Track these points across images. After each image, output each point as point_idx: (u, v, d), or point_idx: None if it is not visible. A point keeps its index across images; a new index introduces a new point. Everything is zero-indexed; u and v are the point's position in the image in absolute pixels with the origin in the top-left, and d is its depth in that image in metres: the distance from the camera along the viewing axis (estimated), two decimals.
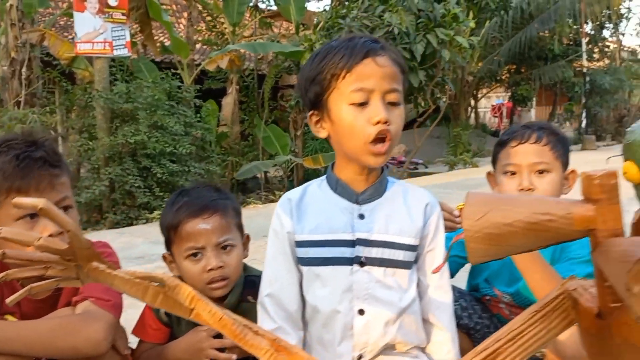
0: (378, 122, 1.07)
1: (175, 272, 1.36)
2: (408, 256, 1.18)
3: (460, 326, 1.53)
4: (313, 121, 1.20)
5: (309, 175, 7.36)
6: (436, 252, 1.22)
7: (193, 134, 5.93)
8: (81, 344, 1.16)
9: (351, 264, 1.15)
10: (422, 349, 1.22)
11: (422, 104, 7.82)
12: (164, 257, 1.40)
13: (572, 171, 1.52)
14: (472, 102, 13.86)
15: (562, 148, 1.48)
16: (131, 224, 5.06)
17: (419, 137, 8.66)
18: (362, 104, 1.09)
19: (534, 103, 17.78)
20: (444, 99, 8.31)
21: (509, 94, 14.41)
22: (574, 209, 0.75)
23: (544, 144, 1.49)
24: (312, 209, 1.21)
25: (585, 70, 12.62)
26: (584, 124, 12.91)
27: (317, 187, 1.24)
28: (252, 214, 4.80)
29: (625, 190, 0.82)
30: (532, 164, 1.46)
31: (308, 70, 1.16)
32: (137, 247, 3.45)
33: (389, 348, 1.17)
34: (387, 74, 1.09)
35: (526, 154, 1.48)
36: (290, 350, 0.81)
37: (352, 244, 1.16)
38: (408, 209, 1.21)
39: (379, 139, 1.09)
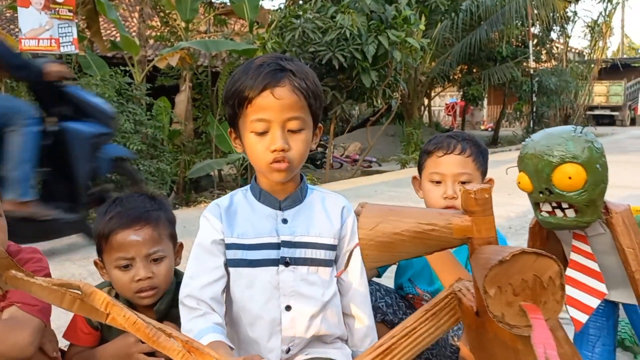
0: (275, 150, 1.18)
1: (106, 278, 1.40)
2: (329, 255, 1.28)
3: (386, 322, 1.63)
4: (232, 137, 1.30)
5: None
6: (354, 253, 1.32)
7: (143, 132, 5.87)
8: (7, 349, 1.20)
9: (277, 265, 1.24)
10: (345, 341, 1.33)
11: (375, 103, 7.93)
12: (96, 263, 1.43)
13: (490, 180, 1.63)
14: (426, 101, 14.14)
15: (482, 159, 1.60)
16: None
17: (372, 135, 8.81)
18: (263, 133, 1.19)
19: (485, 102, 18.29)
20: (396, 98, 8.46)
21: (462, 93, 14.76)
22: (453, 220, 0.84)
23: (467, 155, 1.60)
24: (240, 216, 1.28)
25: (532, 71, 13.07)
26: (532, 123, 13.37)
27: (243, 197, 1.33)
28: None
29: None
30: (456, 174, 1.56)
31: (225, 90, 1.26)
32: (80, 248, 3.43)
33: (314, 340, 1.26)
34: (286, 105, 1.17)
35: (451, 164, 1.58)
36: (202, 351, 0.88)
37: (277, 246, 1.24)
38: (326, 213, 1.30)
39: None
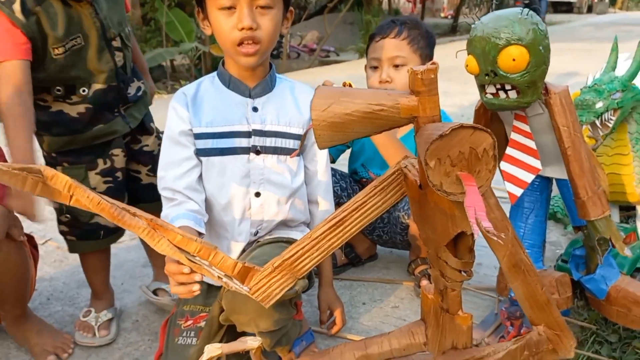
0: (242, 29, 1.15)
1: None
2: (297, 145, 1.32)
3: (340, 204, 1.72)
4: (200, 18, 1.27)
5: (217, 63, 7.19)
6: (307, 134, 1.37)
7: None
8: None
9: (248, 153, 1.27)
10: (307, 225, 1.42)
11: None
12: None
13: (432, 63, 1.66)
14: None
15: (423, 42, 1.62)
16: None
17: (330, 24, 8.58)
18: (230, 8, 1.16)
19: None
20: None
21: None
22: (401, 100, 0.89)
23: (402, 38, 1.62)
24: (207, 104, 1.29)
25: None
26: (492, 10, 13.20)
27: (210, 84, 1.32)
28: (158, 104, 4.70)
29: None
30: (390, 58, 1.59)
31: None
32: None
33: (280, 224, 1.34)
34: None
35: (386, 48, 1.61)
36: (165, 227, 0.93)
37: (248, 134, 1.27)
38: (296, 103, 1.33)
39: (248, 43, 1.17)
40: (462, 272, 0.92)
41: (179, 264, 0.94)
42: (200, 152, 1.27)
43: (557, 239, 2.00)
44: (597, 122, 1.52)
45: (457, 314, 0.95)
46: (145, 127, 1.56)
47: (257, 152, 1.27)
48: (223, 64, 1.30)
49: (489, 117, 1.36)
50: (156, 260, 1.66)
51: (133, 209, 0.92)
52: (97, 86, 1.38)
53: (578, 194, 1.25)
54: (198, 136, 1.26)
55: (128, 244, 2.06)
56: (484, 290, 1.69)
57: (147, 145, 1.56)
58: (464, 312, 0.94)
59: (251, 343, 0.80)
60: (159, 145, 1.53)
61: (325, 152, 1.42)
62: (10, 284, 1.33)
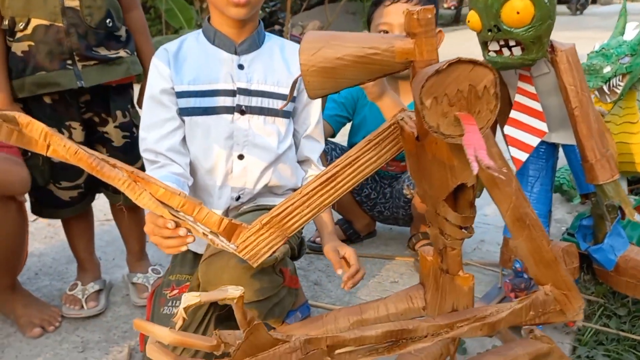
0: None
1: None
2: (287, 106, 1.25)
3: None
4: None
5: None
6: (312, 107, 1.31)
7: None
8: (17, 182, 1.25)
9: (232, 113, 1.21)
10: (295, 190, 1.35)
11: None
12: None
13: (439, 31, 1.61)
14: None
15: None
16: None
17: (331, 13, 8.49)
18: None
19: None
20: None
21: None
22: (395, 42, 0.83)
23: (415, 3, 1.55)
24: (190, 61, 1.22)
25: None
26: None
27: (195, 40, 1.25)
28: None
29: None
30: (403, 23, 1.52)
31: None
32: None
33: (265, 190, 1.27)
34: None
35: (398, 13, 1.54)
36: (147, 180, 0.88)
37: (232, 93, 1.21)
38: (285, 62, 1.26)
39: None
40: (463, 229, 0.87)
41: (162, 219, 0.89)
42: (182, 112, 1.21)
43: (563, 216, 1.94)
44: (605, 88, 1.46)
45: (458, 274, 0.89)
46: (109, 108, 1.42)
47: (242, 112, 1.21)
48: (209, 19, 1.24)
49: None
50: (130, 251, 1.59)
51: (113, 161, 0.87)
52: (36, 21, 1.28)
53: (586, 156, 1.19)
54: (180, 94, 1.20)
55: None
56: (487, 265, 1.64)
57: (107, 133, 1.43)
58: (465, 272, 0.89)
59: (232, 292, 0.75)
60: (123, 138, 1.43)
61: (318, 115, 1.35)
62: (5, 248, 1.28)
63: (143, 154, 1.20)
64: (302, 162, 1.35)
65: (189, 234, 0.90)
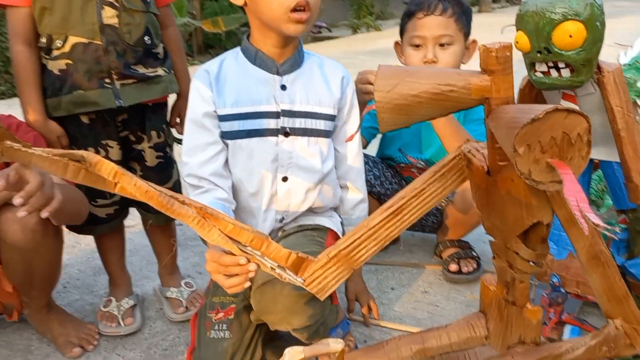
0: None
1: None
2: (328, 125, 1.24)
3: (373, 193, 1.66)
4: None
5: (210, 39, 7.01)
6: (350, 125, 1.30)
7: None
8: (84, 213, 1.28)
9: (277, 135, 1.19)
10: (335, 210, 1.35)
11: None
12: None
13: (473, 41, 1.59)
14: None
15: (465, 19, 1.54)
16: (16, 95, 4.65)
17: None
18: None
19: None
20: None
21: None
22: (472, 79, 0.82)
23: (449, 15, 1.54)
24: (231, 83, 1.20)
25: None
26: None
27: (234, 60, 1.23)
28: None
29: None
30: (437, 37, 1.51)
31: None
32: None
33: (307, 210, 1.27)
34: None
35: (432, 26, 1.52)
36: (216, 216, 0.87)
37: (276, 115, 1.19)
38: (326, 81, 1.25)
39: (299, 8, 1.09)
40: (531, 263, 0.87)
41: (229, 257, 0.88)
42: (225, 135, 1.19)
43: None
44: (639, 101, 1.47)
45: (526, 306, 0.90)
46: (145, 127, 1.39)
47: (286, 134, 1.20)
48: (248, 37, 1.22)
49: (533, 97, 1.30)
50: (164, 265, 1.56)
51: (182, 197, 0.85)
52: (74, 39, 1.25)
53: (631, 177, 1.19)
54: (223, 118, 1.18)
55: (141, 228, 1.98)
56: None
57: (143, 151, 1.41)
58: (533, 305, 0.90)
59: (334, 346, 0.75)
60: (157, 159, 1.41)
61: (358, 134, 1.35)
62: (43, 268, 1.26)
63: (186, 179, 1.18)
64: (342, 186, 1.34)
65: (251, 276, 0.90)
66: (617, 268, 0.83)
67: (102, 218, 1.40)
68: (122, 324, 1.40)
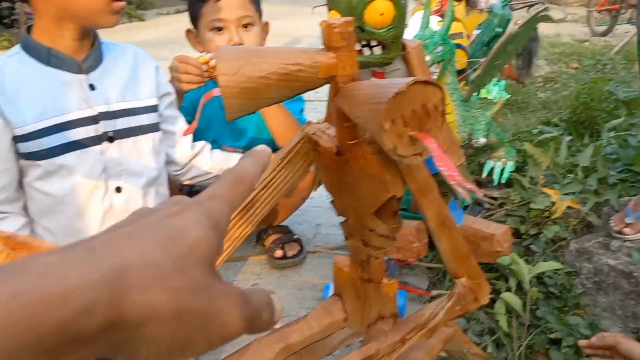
0: None
1: None
2: (152, 118, 1.14)
3: None
4: None
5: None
6: (177, 112, 1.21)
7: None
8: None
9: (99, 143, 1.05)
10: None
11: None
12: None
13: (266, 23, 1.58)
14: None
15: (258, 0, 1.53)
16: None
17: None
18: None
19: None
20: None
21: None
22: (318, 57, 0.78)
23: None
24: (25, 93, 0.99)
25: None
26: None
27: (19, 64, 1.01)
28: None
29: None
30: (239, 18, 1.46)
31: None
32: None
33: None
34: None
35: (232, 8, 1.47)
36: (30, 244, 0.69)
37: (93, 120, 1.04)
38: (134, 70, 1.12)
39: None
40: (386, 238, 0.88)
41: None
42: (32, 156, 0.99)
43: None
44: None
45: (382, 281, 0.91)
46: None
47: (110, 140, 1.05)
48: (28, 32, 1.01)
49: None
50: None
51: None
52: None
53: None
54: (25, 138, 0.98)
55: None
56: (335, 249, 1.71)
57: None
58: (389, 279, 0.91)
59: None
60: None
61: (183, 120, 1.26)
62: None
63: None
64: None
65: None
66: (459, 230, 0.89)
67: None
68: None
